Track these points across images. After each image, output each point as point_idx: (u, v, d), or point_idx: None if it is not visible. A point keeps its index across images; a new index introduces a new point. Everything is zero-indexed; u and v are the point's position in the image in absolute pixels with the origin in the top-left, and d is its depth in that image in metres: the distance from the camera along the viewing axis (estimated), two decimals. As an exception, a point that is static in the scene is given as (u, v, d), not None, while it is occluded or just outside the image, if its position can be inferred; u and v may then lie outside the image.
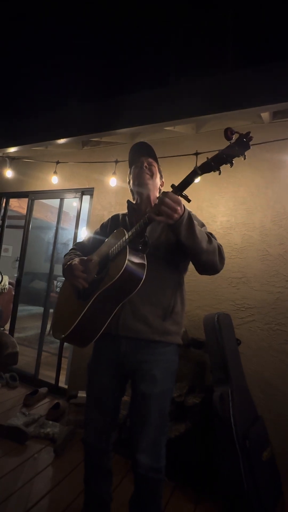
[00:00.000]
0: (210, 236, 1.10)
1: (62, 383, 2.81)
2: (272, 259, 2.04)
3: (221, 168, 0.94)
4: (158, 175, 1.32)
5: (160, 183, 1.35)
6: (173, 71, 2.28)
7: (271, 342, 1.97)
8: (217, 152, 0.92)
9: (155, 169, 1.30)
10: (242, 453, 1.51)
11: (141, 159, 1.29)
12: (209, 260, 1.08)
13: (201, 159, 2.26)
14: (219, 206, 2.26)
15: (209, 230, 1.24)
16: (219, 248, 1.11)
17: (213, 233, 2.40)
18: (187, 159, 2.34)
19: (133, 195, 1.36)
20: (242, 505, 1.46)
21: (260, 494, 1.48)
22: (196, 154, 2.27)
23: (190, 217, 1.01)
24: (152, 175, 1.28)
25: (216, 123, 2.26)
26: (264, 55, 1.88)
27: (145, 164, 1.28)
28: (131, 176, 1.34)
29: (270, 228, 2.07)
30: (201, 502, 1.63)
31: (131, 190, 1.36)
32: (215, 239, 1.14)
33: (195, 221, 1.03)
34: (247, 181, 2.18)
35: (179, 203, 0.95)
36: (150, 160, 1.30)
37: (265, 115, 2.06)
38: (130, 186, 1.35)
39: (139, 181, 1.28)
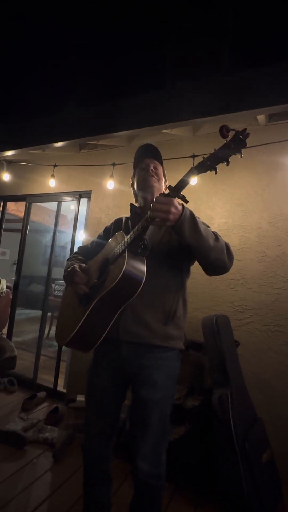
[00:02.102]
0: (216, 234, 1.07)
1: (60, 387, 2.79)
2: (269, 261, 2.05)
3: (218, 169, 0.92)
4: (163, 179, 1.30)
5: (164, 187, 1.32)
6: (170, 75, 2.30)
7: (270, 344, 1.97)
8: (213, 150, 0.90)
9: (161, 172, 1.28)
10: (241, 455, 1.50)
11: (146, 161, 1.27)
12: (218, 258, 1.04)
13: (198, 162, 2.27)
14: (216, 208, 2.27)
15: None
16: (227, 246, 1.08)
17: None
18: (184, 162, 2.35)
19: (136, 198, 1.33)
20: (242, 507, 1.45)
21: (260, 496, 1.48)
22: (193, 156, 2.28)
23: (192, 215, 0.98)
24: (158, 179, 1.26)
25: (212, 125, 2.27)
26: (260, 58, 1.89)
27: (151, 167, 1.26)
28: (135, 178, 1.31)
29: (267, 229, 2.08)
30: (201, 505, 1.62)
31: (135, 193, 1.33)
32: (220, 236, 1.11)
33: (199, 220, 1.00)
34: (244, 183, 2.19)
35: (170, 204, 0.92)
36: (156, 162, 1.28)
37: (261, 118, 2.08)
38: (134, 188, 1.33)
39: (145, 184, 1.25)
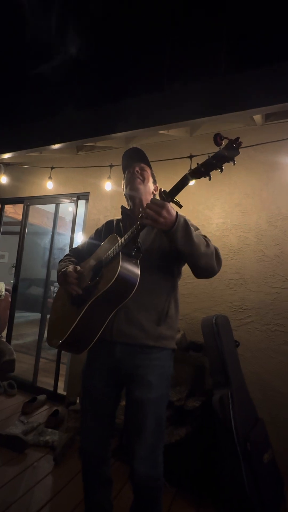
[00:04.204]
0: (206, 239, 1.10)
1: (61, 390, 2.78)
2: (268, 260, 2.05)
3: (214, 172, 0.94)
4: (151, 180, 1.33)
5: (154, 188, 1.35)
6: (167, 75, 2.30)
7: (270, 343, 1.97)
8: (207, 157, 0.92)
9: (147, 174, 1.32)
10: (243, 456, 1.50)
11: (133, 165, 1.31)
12: (207, 264, 1.07)
13: (196, 162, 2.27)
14: (215, 208, 2.27)
15: (205, 232, 1.24)
16: (216, 251, 1.11)
17: (209, 235, 2.39)
18: (181, 162, 2.35)
19: (127, 200, 1.37)
20: (245, 508, 1.45)
21: (263, 497, 1.47)
22: (191, 157, 2.29)
23: (185, 223, 1.00)
24: (143, 180, 1.30)
25: (209, 126, 2.27)
26: (256, 59, 1.90)
27: (137, 169, 1.30)
28: (124, 181, 1.36)
29: (266, 229, 2.08)
30: (203, 506, 1.61)
31: (125, 196, 1.37)
32: (210, 241, 1.14)
33: (191, 227, 1.02)
34: (242, 183, 2.19)
35: (163, 207, 0.95)
36: (142, 165, 1.31)
37: (258, 118, 2.08)
38: (124, 191, 1.37)
39: (131, 186, 1.30)
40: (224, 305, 2.14)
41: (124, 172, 1.38)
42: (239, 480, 1.47)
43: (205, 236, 1.14)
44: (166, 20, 2.36)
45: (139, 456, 1.09)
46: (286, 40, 1.88)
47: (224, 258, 2.17)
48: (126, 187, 1.33)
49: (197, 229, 1.22)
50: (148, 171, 1.33)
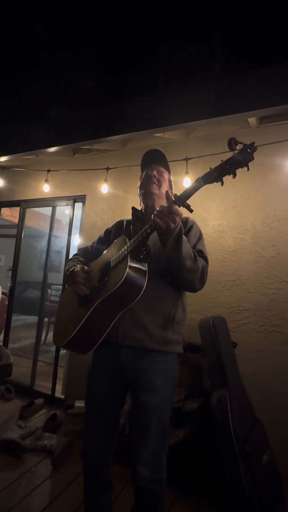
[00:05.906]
0: (196, 255, 1.10)
1: (58, 393, 2.77)
2: (265, 261, 2.06)
3: (226, 177, 0.93)
4: (167, 185, 1.32)
5: (170, 193, 1.33)
6: (163, 79, 2.31)
7: (267, 344, 1.98)
8: (215, 159, 0.92)
9: (164, 179, 1.30)
10: (242, 457, 1.50)
11: (151, 166, 1.30)
12: (188, 278, 1.08)
13: (191, 165, 2.29)
14: (211, 210, 2.28)
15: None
16: (203, 270, 1.11)
17: (206, 237, 2.38)
18: (178, 165, 2.36)
19: (140, 201, 1.36)
20: (244, 509, 1.45)
21: (262, 497, 1.47)
22: (186, 159, 2.30)
23: (180, 233, 1.01)
24: (159, 186, 1.28)
25: (205, 128, 2.29)
26: (252, 61, 1.92)
27: (155, 172, 1.29)
28: (140, 182, 1.35)
29: (262, 230, 2.10)
30: (203, 507, 1.61)
31: (139, 196, 1.36)
32: (205, 260, 1.15)
33: (184, 238, 1.03)
34: (238, 184, 2.20)
35: (179, 215, 0.96)
36: (161, 168, 1.30)
37: (252, 120, 2.10)
38: (138, 192, 1.36)
39: (145, 190, 1.29)
40: (221, 306, 2.15)
41: (142, 172, 1.36)
42: (238, 480, 1.47)
43: (201, 252, 1.15)
44: (163, 24, 2.38)
45: (143, 460, 1.08)
46: (286, 40, 1.90)
47: (220, 259, 2.20)
48: (140, 189, 1.32)
49: (199, 238, 1.22)
50: (166, 176, 1.31)
